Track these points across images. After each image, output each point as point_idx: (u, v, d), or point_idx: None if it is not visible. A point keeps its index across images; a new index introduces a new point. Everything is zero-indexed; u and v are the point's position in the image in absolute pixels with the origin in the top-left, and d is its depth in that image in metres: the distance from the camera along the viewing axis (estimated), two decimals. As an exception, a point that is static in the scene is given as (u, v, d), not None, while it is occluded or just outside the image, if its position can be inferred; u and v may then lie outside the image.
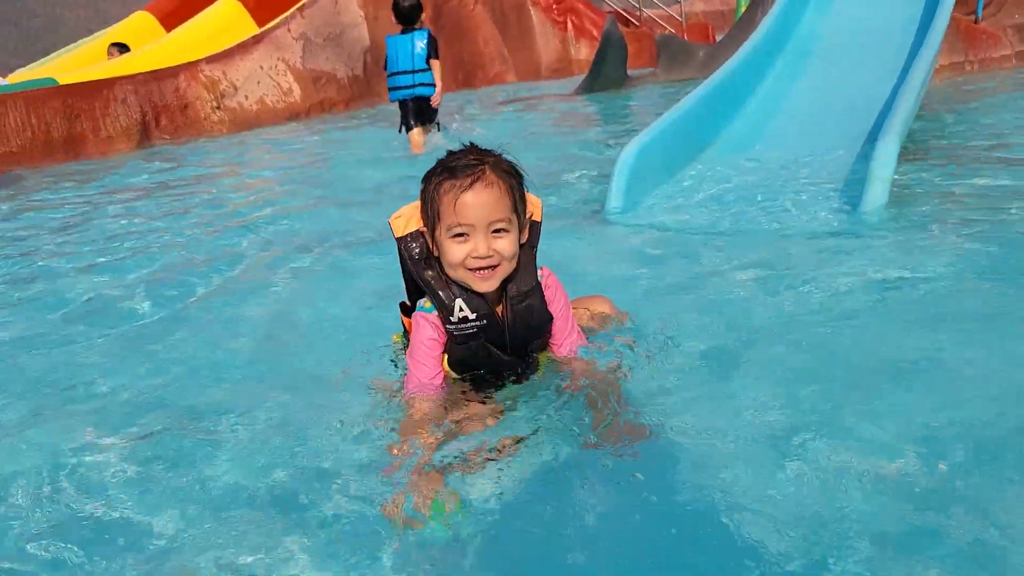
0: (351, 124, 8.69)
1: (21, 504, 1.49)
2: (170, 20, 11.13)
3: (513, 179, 1.55)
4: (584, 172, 4.45)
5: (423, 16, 5.57)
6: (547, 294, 1.65)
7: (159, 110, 7.79)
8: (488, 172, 1.51)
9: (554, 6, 12.35)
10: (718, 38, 12.55)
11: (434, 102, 5.58)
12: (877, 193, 2.87)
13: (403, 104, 5.58)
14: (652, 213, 3.29)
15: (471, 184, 1.49)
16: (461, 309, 1.57)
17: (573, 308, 1.76)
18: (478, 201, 1.49)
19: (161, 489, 1.50)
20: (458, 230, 1.50)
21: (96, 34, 13.39)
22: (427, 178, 1.57)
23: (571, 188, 4.07)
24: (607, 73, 8.55)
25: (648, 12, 13.30)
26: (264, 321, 2.43)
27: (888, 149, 3.04)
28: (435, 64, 5.47)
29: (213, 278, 2.95)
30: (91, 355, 2.27)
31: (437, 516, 1.29)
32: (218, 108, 8.20)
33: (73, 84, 7.25)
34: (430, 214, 1.55)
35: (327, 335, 2.24)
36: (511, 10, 12.05)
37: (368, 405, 1.71)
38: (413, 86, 5.48)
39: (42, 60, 13.33)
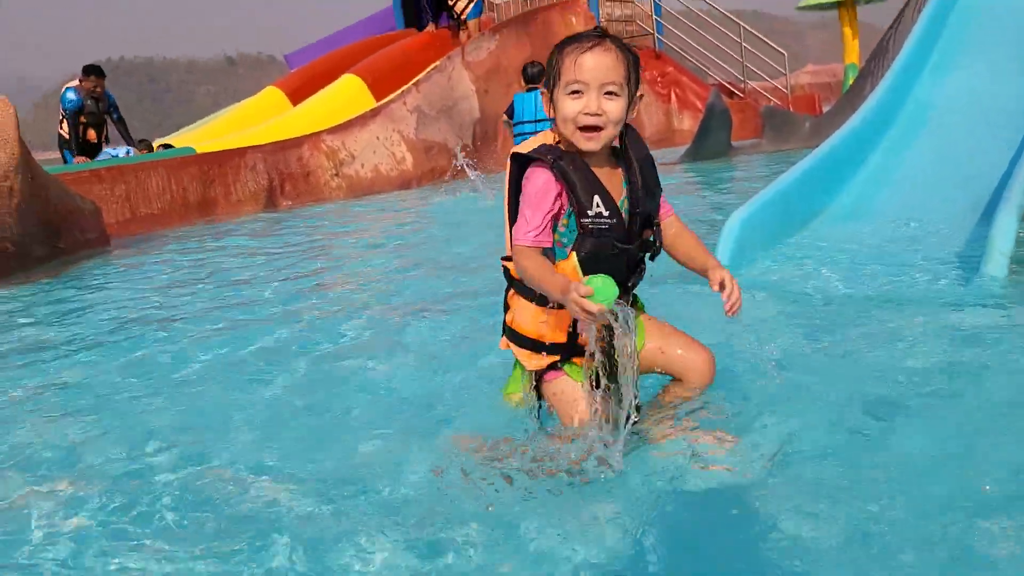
0: (459, 191, 9.04)
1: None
2: (297, 95, 11.98)
3: (631, 55, 1.70)
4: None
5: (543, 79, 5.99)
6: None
7: (284, 177, 8.35)
8: (608, 41, 1.67)
9: (659, 79, 12.59)
10: (824, 109, 12.46)
11: None
12: (996, 266, 2.81)
13: None
14: (761, 280, 3.30)
15: (591, 47, 1.65)
16: (598, 205, 1.68)
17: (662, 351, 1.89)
18: (595, 62, 1.63)
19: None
20: (574, 87, 1.65)
21: (230, 107, 14.52)
22: (556, 46, 1.72)
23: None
24: (711, 143, 8.63)
25: (752, 84, 13.35)
26: (381, 379, 2.56)
27: (1008, 221, 2.98)
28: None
29: (332, 335, 3.14)
30: (221, 406, 2.46)
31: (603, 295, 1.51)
32: (336, 175, 8.71)
33: (209, 153, 7.89)
34: (552, 74, 1.71)
35: (450, 395, 2.34)
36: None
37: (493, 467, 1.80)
38: (533, 133, 5.86)
39: (180, 131, 14.55)
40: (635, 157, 1.74)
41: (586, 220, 1.69)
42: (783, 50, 12.80)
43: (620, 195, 1.74)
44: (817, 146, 4.56)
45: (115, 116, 10.14)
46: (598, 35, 1.66)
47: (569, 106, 1.65)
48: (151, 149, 9.18)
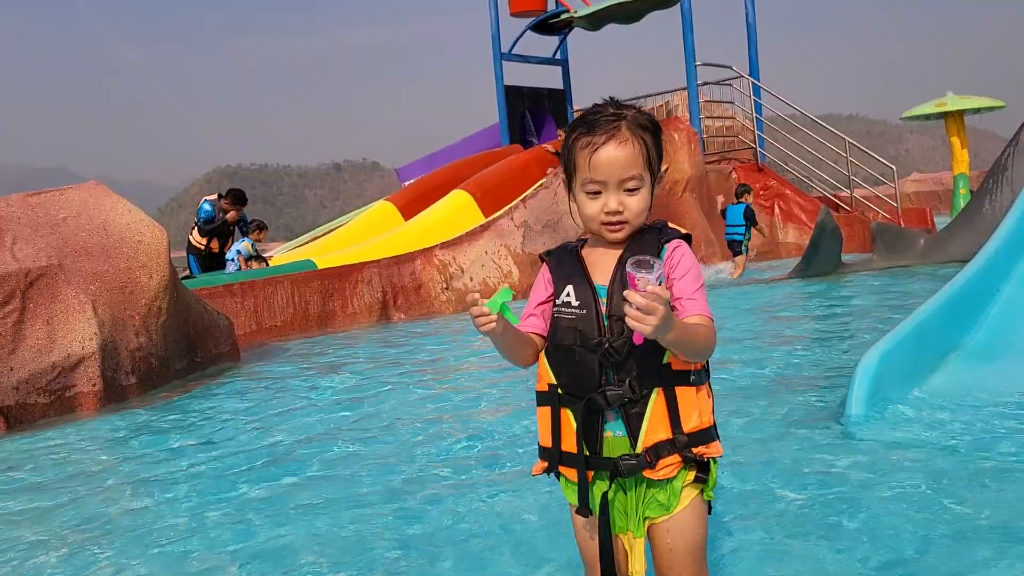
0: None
1: None
2: (408, 209, 12.57)
3: (649, 134, 1.59)
4: (813, 370, 4.43)
5: (746, 195, 10.25)
6: (667, 265, 1.57)
7: (397, 290, 8.69)
8: (624, 129, 1.56)
9: (761, 192, 12.60)
10: (935, 220, 12.15)
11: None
12: None
13: (729, 244, 10.31)
14: (896, 425, 3.21)
15: (605, 141, 1.55)
16: (568, 294, 1.59)
17: None
18: (611, 159, 1.54)
19: None
20: (591, 187, 1.57)
21: (344, 218, 15.32)
22: (570, 128, 1.63)
23: (801, 385, 4.06)
24: (821, 260, 8.51)
25: (858, 194, 13.17)
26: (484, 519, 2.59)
27: None
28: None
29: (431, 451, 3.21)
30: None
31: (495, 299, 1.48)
32: (447, 289, 9.00)
33: (330, 268, 8.31)
34: (567, 165, 1.62)
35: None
36: (718, 196, 12.44)
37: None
38: (731, 234, 10.25)
39: (297, 239, 15.40)
40: (631, 252, 1.55)
41: (555, 308, 1.61)
42: (890, 163, 12.65)
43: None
44: (931, 263, 4.47)
45: (243, 228, 10.89)
46: (611, 120, 1.55)
47: (589, 206, 1.58)
48: (266, 263, 9.73)
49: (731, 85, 13.53)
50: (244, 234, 10.73)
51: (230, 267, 10.00)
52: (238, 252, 10.07)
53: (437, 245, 9.31)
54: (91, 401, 4.88)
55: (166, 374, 5.50)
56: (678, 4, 12.74)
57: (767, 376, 4.41)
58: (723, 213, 10.11)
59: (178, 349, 5.70)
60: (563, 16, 14.46)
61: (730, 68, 13.02)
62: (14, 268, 4.78)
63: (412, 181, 15.57)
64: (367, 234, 12.11)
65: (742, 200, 10.18)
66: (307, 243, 14.72)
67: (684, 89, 15.33)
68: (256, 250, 10.22)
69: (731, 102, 13.83)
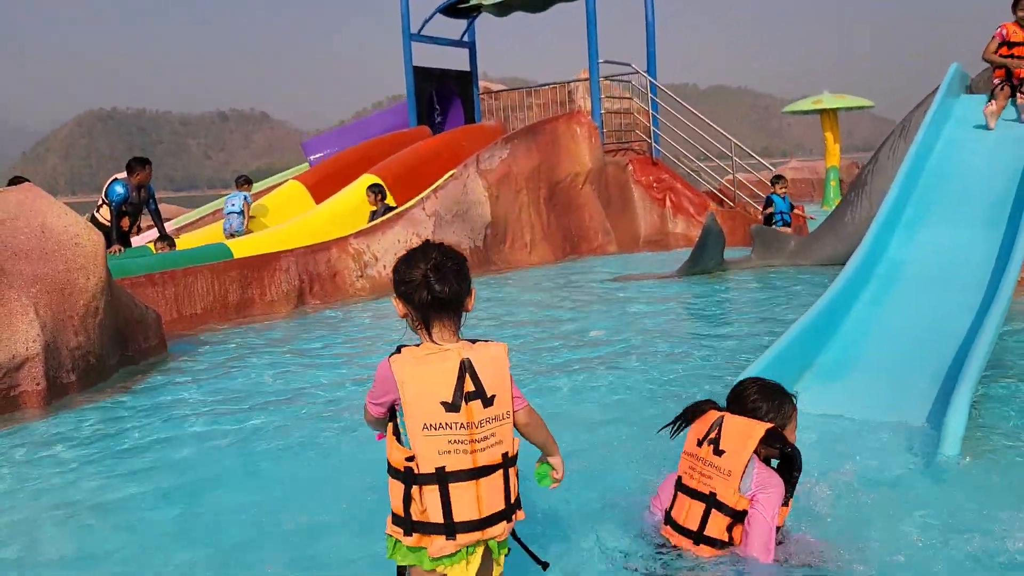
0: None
1: None
2: (317, 189, 12.76)
3: None
4: (695, 373, 5.18)
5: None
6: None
7: (313, 278, 9.03)
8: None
9: (654, 184, 13.53)
10: (806, 212, 13.40)
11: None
12: (950, 445, 3.51)
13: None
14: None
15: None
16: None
17: None
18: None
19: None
20: None
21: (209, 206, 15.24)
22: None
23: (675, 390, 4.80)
24: (705, 260, 9.44)
25: (741, 177, 14.18)
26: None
27: (962, 403, 3.68)
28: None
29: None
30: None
31: None
32: (361, 276, 9.41)
33: (249, 257, 8.57)
34: None
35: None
36: (615, 188, 13.28)
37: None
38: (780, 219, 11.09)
39: (199, 211, 15.25)
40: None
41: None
42: (772, 161, 13.78)
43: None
44: (800, 264, 5.14)
45: (152, 207, 10.85)
46: None
47: None
48: (174, 246, 9.85)
49: (630, 82, 14.30)
50: (154, 213, 10.73)
51: (235, 220, 11.60)
52: (245, 200, 11.73)
53: (351, 234, 9.67)
54: (35, 400, 5.12)
55: (103, 371, 5.75)
56: (583, -1, 13.33)
57: (651, 378, 5.17)
58: (769, 203, 11.03)
59: (112, 345, 5.94)
60: (472, 2, 14.79)
61: (629, 66, 13.77)
62: (-43, 273, 4.93)
63: (319, 157, 15.67)
64: (277, 215, 12.27)
65: (778, 190, 11.06)
66: (209, 215, 14.66)
67: (585, 80, 16.06)
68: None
69: (629, 97, 14.63)
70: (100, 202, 10.60)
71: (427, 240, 2.25)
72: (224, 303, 8.21)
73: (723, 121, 14.19)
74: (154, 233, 11.00)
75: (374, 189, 11.20)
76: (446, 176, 11.03)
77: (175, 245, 10.10)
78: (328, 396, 5.25)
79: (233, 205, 11.84)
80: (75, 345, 5.47)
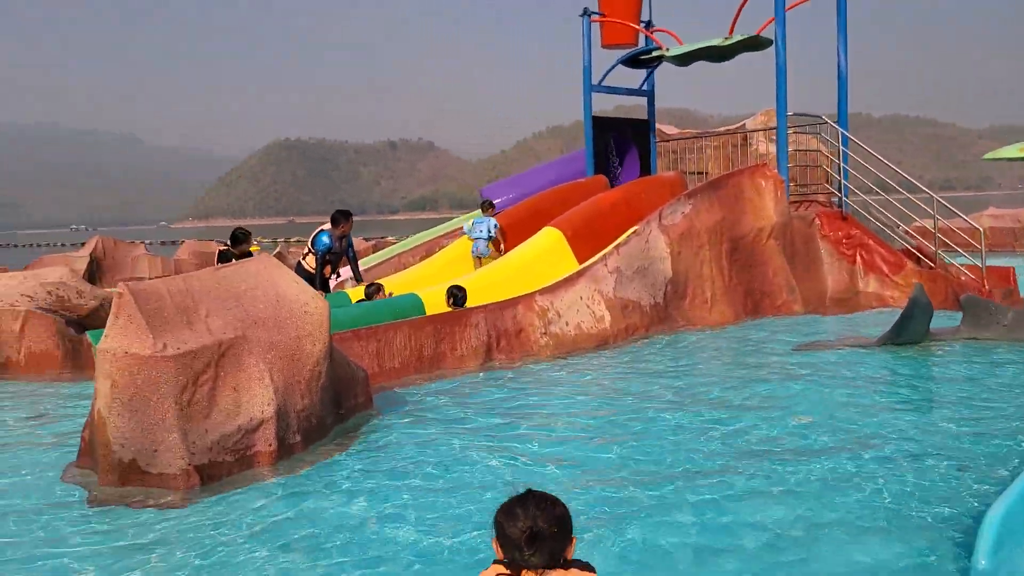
0: (652, 349, 9.77)
1: None
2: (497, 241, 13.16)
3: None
4: (927, 481, 4.82)
5: None
6: None
7: (500, 334, 9.29)
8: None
9: (844, 240, 12.89)
10: (1019, 280, 12.30)
11: None
12: None
13: None
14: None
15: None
16: None
17: None
18: None
19: None
20: None
21: (428, 233, 16.00)
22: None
23: (916, 506, 4.48)
24: (911, 334, 8.86)
25: (943, 223, 13.19)
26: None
27: None
28: None
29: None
30: None
31: None
32: (545, 334, 9.57)
33: (444, 314, 8.97)
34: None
35: None
36: (801, 244, 12.76)
37: None
38: None
39: (382, 254, 16.11)
40: None
41: None
42: (977, 225, 12.81)
43: None
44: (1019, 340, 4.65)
45: (351, 255, 11.62)
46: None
47: None
48: (383, 293, 10.43)
49: (819, 135, 13.77)
50: (352, 260, 11.49)
51: (480, 245, 12.75)
52: (495, 227, 12.87)
53: (537, 291, 9.87)
54: (267, 459, 5.58)
55: (322, 430, 6.18)
56: (771, 47, 13.01)
57: (874, 477, 4.86)
58: None
59: (329, 405, 6.37)
60: (654, 53, 14.82)
61: (820, 118, 13.27)
62: (210, 341, 5.48)
63: (498, 203, 16.15)
64: (459, 263, 12.77)
65: None
66: (394, 257, 15.47)
67: (765, 129, 15.62)
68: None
69: (816, 150, 14.08)
70: (306, 251, 11.46)
71: (529, 491, 2.29)
72: (419, 357, 8.60)
73: (901, 153, 13.32)
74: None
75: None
76: (629, 232, 11.05)
77: (386, 293, 10.65)
78: (534, 450, 5.37)
79: (481, 231, 12.80)
80: (301, 408, 5.92)
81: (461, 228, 14.67)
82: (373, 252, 18.89)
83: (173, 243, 68.72)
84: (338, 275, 12.22)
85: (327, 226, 11.25)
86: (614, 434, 6.21)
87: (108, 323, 5.42)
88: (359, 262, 12.38)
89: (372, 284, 10.68)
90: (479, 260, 12.77)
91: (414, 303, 9.86)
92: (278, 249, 28.72)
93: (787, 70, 12.69)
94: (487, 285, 10.85)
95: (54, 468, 5.76)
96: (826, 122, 13.33)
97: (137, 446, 5.21)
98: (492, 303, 9.43)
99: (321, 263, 11.00)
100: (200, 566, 4.13)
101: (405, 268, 14.27)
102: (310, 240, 11.30)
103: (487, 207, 13.49)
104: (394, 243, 24.60)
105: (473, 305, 9.42)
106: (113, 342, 5.29)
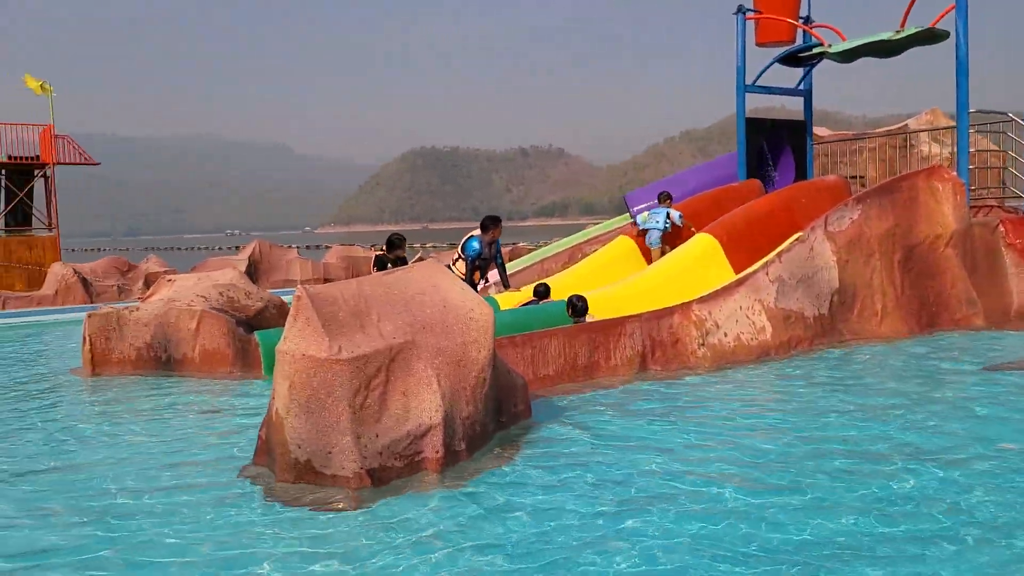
0: (817, 363, 9.15)
1: None
2: (647, 245, 12.82)
3: None
4: None
5: None
6: None
7: (656, 344, 8.97)
8: None
9: (1033, 249, 11.67)
10: None
11: None
12: None
13: None
14: None
15: None
16: None
17: None
18: None
19: None
20: None
21: (574, 238, 15.83)
22: None
23: None
24: None
25: None
26: None
27: None
28: None
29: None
30: None
31: None
32: (702, 344, 9.16)
33: (598, 322, 8.75)
34: None
35: None
36: (982, 253, 11.66)
37: None
38: None
39: (525, 260, 16.08)
40: None
41: None
42: None
43: None
44: None
45: (499, 261, 11.61)
46: None
47: None
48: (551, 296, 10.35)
49: (1004, 132, 12.59)
50: (500, 266, 11.49)
51: (654, 236, 12.83)
52: (679, 217, 12.84)
53: (695, 300, 9.48)
54: (434, 466, 5.53)
55: (484, 439, 6.10)
56: (948, 39, 12.01)
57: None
58: None
59: (491, 412, 6.29)
60: (815, 50, 14.03)
61: (1006, 115, 12.11)
62: (382, 345, 5.50)
63: (643, 209, 15.79)
64: (608, 270, 12.52)
65: None
66: (536, 263, 15.40)
67: (935, 129, 14.46)
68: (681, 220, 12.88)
69: (998, 149, 12.87)
70: (456, 256, 11.54)
71: None
72: (573, 365, 8.42)
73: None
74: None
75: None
76: (792, 239, 10.44)
77: (548, 293, 10.58)
78: (699, 467, 5.05)
79: (657, 222, 12.80)
80: (466, 415, 5.85)
81: (611, 231, 14.46)
82: (509, 260, 18.97)
83: (317, 247, 72.17)
84: (486, 280, 12.25)
85: (477, 232, 11.28)
86: (784, 456, 5.76)
87: (287, 324, 5.55)
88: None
89: (541, 284, 10.56)
90: (653, 251, 12.84)
91: (563, 311, 9.71)
92: (419, 254, 29.45)
93: (968, 67, 11.65)
94: (637, 293, 10.56)
95: (231, 464, 5.97)
96: (1012, 120, 12.15)
97: (312, 447, 5.29)
98: (647, 312, 9.12)
99: (471, 268, 11.04)
100: (373, 569, 4.12)
101: (548, 275, 14.17)
102: (460, 246, 11.38)
103: (664, 198, 13.40)
104: (531, 249, 24.66)
105: (627, 315, 9.15)
106: (291, 344, 5.41)
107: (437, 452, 5.55)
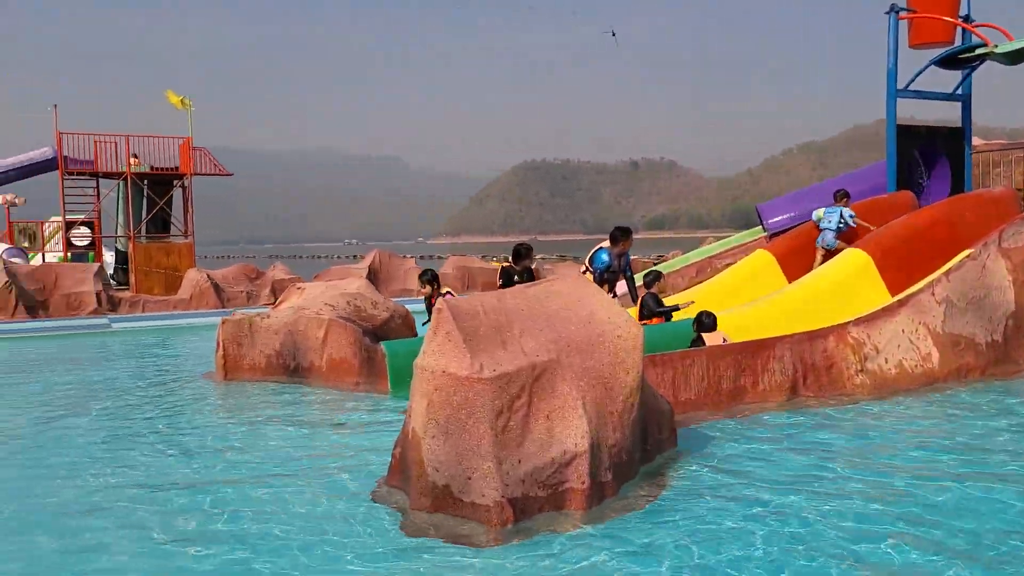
0: (991, 395, 8.15)
1: None
2: (787, 260, 11.97)
3: None
4: None
5: None
6: None
7: (808, 369, 8.20)
8: None
9: None
10: None
11: None
12: None
13: None
14: None
15: None
16: None
17: None
18: None
19: None
20: None
21: (706, 249, 15.09)
22: None
23: None
24: None
25: None
26: None
27: None
28: None
29: None
30: None
31: None
32: (861, 371, 8.32)
33: (743, 343, 8.06)
34: None
35: None
36: None
37: None
38: None
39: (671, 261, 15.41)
40: None
41: None
42: None
43: None
44: None
45: (628, 273, 11.07)
46: None
47: None
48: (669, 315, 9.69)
49: None
50: (628, 279, 10.93)
51: (828, 236, 12.07)
52: (851, 217, 12.05)
53: (851, 321, 8.64)
54: (579, 498, 5.06)
55: (631, 470, 5.58)
56: None
57: None
58: None
59: (638, 441, 5.76)
60: (978, 51, 12.81)
61: None
62: (525, 363, 5.09)
63: (778, 222, 14.90)
64: (745, 287, 11.74)
65: None
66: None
67: None
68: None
69: None
70: (583, 268, 11.07)
71: None
72: (718, 390, 7.78)
73: None
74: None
75: (425, 277, 9.65)
76: (961, 256, 9.41)
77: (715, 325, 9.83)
78: (869, 513, 4.35)
79: (830, 221, 12.11)
80: (612, 443, 5.35)
81: (742, 244, 13.67)
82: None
83: (430, 257, 73.38)
84: (614, 294, 11.73)
85: (606, 243, 10.78)
86: (959, 507, 5.01)
87: (426, 339, 5.22)
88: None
89: (707, 314, 9.56)
90: (825, 253, 12.07)
91: (689, 329, 9.05)
92: (535, 265, 29.15)
93: None
94: (783, 312, 9.78)
95: (365, 484, 5.69)
96: None
97: (451, 471, 4.92)
98: (798, 333, 8.36)
99: (599, 281, 10.54)
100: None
101: (675, 290, 13.50)
102: (587, 258, 10.91)
103: (841, 196, 12.63)
104: (649, 263, 23.91)
105: (775, 336, 8.41)
106: (431, 359, 5.07)
107: (583, 483, 5.08)
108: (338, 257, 78.79)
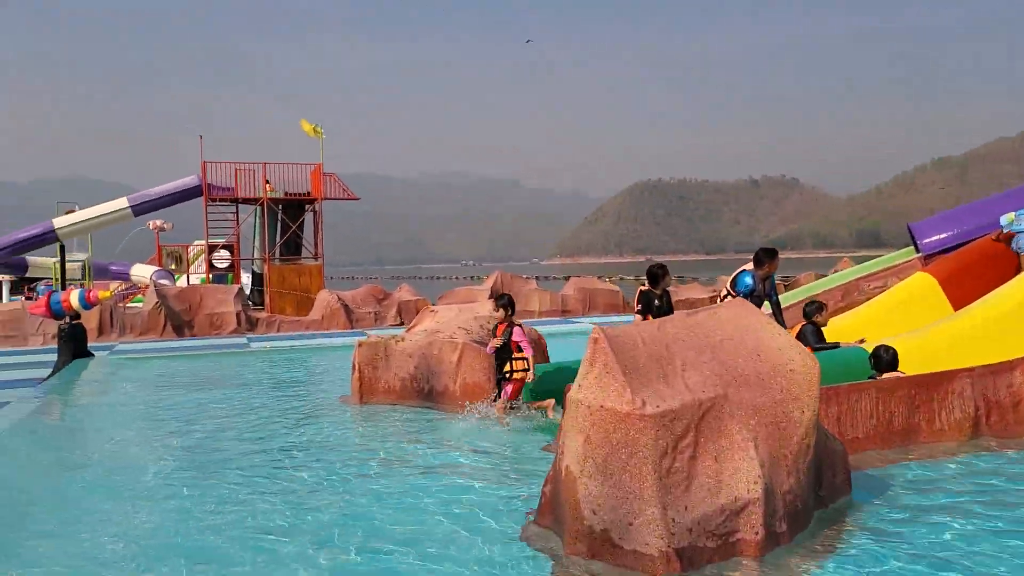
0: None
1: None
2: (951, 284, 10.95)
3: None
4: None
5: None
6: None
7: (991, 405, 7.35)
8: None
9: None
10: None
11: None
12: None
13: None
14: None
15: None
16: None
17: None
18: None
19: None
20: None
21: (854, 271, 14.11)
22: None
23: None
24: None
25: None
26: None
27: None
28: None
29: None
30: None
31: None
32: (1054, 410, 7.37)
33: (919, 376, 7.31)
34: None
35: None
36: None
37: None
38: None
39: (793, 295, 14.57)
40: None
41: None
42: None
43: None
44: None
45: (773, 299, 10.37)
46: None
47: None
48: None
49: None
50: (774, 305, 10.25)
51: (1022, 239, 11.10)
52: None
53: (1040, 354, 7.70)
54: (752, 550, 4.58)
55: (806, 519, 5.04)
56: None
57: None
58: None
59: (812, 487, 5.21)
60: None
61: None
62: (689, 399, 4.68)
63: (934, 242, 13.78)
64: (902, 313, 10.81)
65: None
66: (806, 300, 13.83)
67: None
68: None
69: None
70: (724, 292, 10.47)
71: None
72: (888, 427, 7.06)
73: None
74: None
75: (501, 301, 9.06)
76: None
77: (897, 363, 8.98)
78: None
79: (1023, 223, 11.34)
80: (786, 488, 4.84)
81: (892, 266, 12.67)
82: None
83: (546, 278, 73.35)
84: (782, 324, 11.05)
85: (749, 266, 10.14)
86: None
87: (581, 370, 4.89)
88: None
89: (887, 348, 8.27)
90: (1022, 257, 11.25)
91: (860, 358, 8.31)
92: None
93: None
94: (956, 341, 8.85)
95: (513, 522, 5.39)
96: None
97: (611, 515, 4.55)
98: (979, 366, 7.50)
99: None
100: None
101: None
102: (729, 281, 10.30)
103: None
104: (779, 286, 22.78)
105: (952, 368, 7.59)
106: (588, 393, 4.74)
107: (756, 533, 4.59)
108: (456, 278, 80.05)
